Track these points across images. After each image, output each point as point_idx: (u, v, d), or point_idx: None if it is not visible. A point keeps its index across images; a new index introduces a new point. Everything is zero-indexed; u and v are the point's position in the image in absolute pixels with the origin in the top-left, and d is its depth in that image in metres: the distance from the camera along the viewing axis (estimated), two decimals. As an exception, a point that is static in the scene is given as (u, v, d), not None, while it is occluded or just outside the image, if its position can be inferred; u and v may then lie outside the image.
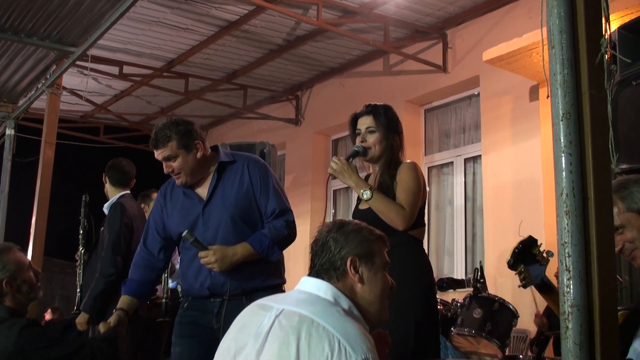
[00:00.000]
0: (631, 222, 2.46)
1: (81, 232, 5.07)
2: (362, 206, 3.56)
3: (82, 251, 5.05)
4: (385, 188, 3.43)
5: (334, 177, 3.56)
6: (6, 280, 3.21)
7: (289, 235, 3.51)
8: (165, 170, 3.50)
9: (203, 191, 3.51)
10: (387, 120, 3.55)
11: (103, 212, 5.18)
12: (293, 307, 2.10)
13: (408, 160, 3.57)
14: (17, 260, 3.30)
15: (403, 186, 3.39)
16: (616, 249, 2.31)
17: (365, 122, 3.56)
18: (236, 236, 3.39)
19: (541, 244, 2.77)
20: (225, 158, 3.54)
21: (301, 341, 1.95)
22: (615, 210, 2.44)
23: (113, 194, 5.13)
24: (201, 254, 3.32)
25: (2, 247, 3.37)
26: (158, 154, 3.46)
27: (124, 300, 3.49)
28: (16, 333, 3.07)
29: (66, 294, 13.02)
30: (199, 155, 3.45)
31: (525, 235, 2.69)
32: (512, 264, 2.51)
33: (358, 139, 3.56)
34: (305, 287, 2.29)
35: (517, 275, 2.58)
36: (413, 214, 3.38)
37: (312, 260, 2.39)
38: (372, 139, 3.52)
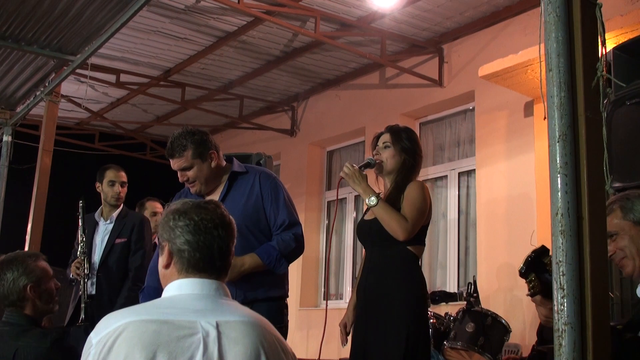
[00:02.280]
0: (625, 229, 2.56)
1: (82, 239, 4.98)
2: (368, 217, 3.70)
3: (85, 259, 4.91)
4: (392, 202, 3.55)
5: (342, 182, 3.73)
6: (31, 285, 3.21)
7: (297, 249, 3.56)
8: (180, 179, 3.57)
9: (214, 198, 3.53)
10: (405, 139, 3.72)
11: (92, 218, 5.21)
12: (226, 316, 1.94)
13: (419, 180, 3.73)
14: (43, 268, 3.31)
15: (409, 201, 3.53)
16: (608, 255, 2.38)
17: (383, 139, 3.75)
18: (243, 245, 3.40)
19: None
20: (238, 169, 3.62)
21: (265, 347, 1.91)
22: (612, 217, 2.54)
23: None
24: None
25: (30, 254, 3.40)
26: (174, 163, 3.53)
27: None
28: (49, 344, 3.05)
29: (60, 300, 12.96)
30: (213, 164, 3.53)
31: (538, 245, 2.74)
32: (524, 272, 2.55)
33: (373, 153, 3.75)
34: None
35: (526, 284, 2.62)
36: (415, 227, 3.49)
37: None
38: (385, 153, 3.69)
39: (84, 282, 4.83)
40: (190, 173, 3.50)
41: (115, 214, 5.17)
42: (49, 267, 3.39)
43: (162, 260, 2.07)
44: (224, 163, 3.63)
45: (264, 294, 3.47)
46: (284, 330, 3.55)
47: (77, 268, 4.91)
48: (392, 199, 3.56)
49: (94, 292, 4.89)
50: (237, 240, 3.40)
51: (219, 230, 2.06)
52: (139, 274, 4.84)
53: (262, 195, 3.54)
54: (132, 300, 4.57)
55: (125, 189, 5.26)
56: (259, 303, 3.40)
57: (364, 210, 3.89)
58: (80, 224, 5.02)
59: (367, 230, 3.68)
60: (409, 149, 3.71)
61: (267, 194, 3.54)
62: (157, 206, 5.99)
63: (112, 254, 5.00)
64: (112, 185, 5.18)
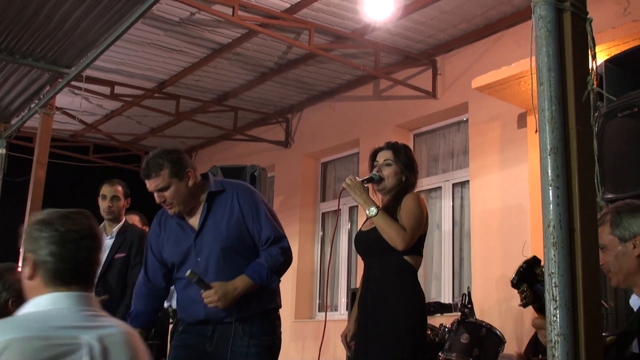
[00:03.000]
0: (611, 245, 2.59)
1: None
2: (365, 227, 3.79)
3: None
4: (389, 212, 3.62)
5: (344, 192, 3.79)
6: (12, 300, 3.21)
7: (286, 262, 3.54)
8: (157, 201, 3.47)
9: (194, 221, 3.51)
10: (405, 157, 3.80)
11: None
12: (106, 329, 1.96)
13: (414, 192, 3.81)
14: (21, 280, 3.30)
15: (406, 211, 3.60)
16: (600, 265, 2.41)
17: (384, 155, 3.81)
18: (228, 266, 3.41)
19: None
20: (215, 187, 3.53)
21: (141, 356, 1.95)
22: (603, 229, 2.57)
23: (122, 217, 5.19)
24: (204, 294, 3.32)
25: (7, 267, 3.37)
26: (150, 184, 3.44)
27: None
28: None
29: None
30: (190, 183, 3.45)
31: (529, 255, 2.76)
32: (516, 283, 2.57)
33: (375, 169, 3.80)
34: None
35: (518, 294, 2.64)
36: (413, 237, 3.57)
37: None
38: (387, 170, 3.77)
39: None
40: (167, 194, 3.41)
41: (115, 229, 5.15)
42: None
43: (26, 271, 2.04)
44: (201, 181, 3.55)
45: (258, 309, 3.45)
46: (277, 342, 3.54)
47: None
48: (390, 211, 3.62)
49: None
50: (222, 261, 3.40)
51: (85, 241, 2.03)
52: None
53: (242, 213, 3.47)
54: None
55: (119, 203, 5.20)
56: (253, 317, 3.41)
57: (362, 222, 3.96)
58: None
59: (365, 242, 3.75)
60: (409, 166, 3.80)
61: (247, 211, 3.47)
62: (135, 219, 5.97)
63: (111, 269, 4.99)
64: (103, 199, 5.19)
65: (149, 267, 3.62)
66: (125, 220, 5.25)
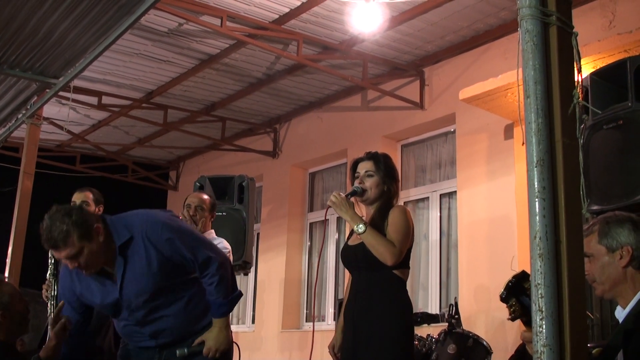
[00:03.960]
0: (598, 254, 2.62)
1: (52, 261, 4.96)
2: (352, 242, 3.76)
3: (54, 281, 4.88)
4: (377, 227, 3.61)
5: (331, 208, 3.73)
6: (1, 313, 3.20)
7: (226, 277, 3.32)
8: (70, 267, 3.17)
9: (112, 273, 3.27)
10: (386, 167, 3.79)
11: None
12: None
13: (400, 204, 3.82)
14: (10, 292, 3.30)
15: (394, 226, 3.60)
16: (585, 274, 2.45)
17: (365, 166, 3.79)
18: (166, 299, 3.32)
19: None
20: (122, 237, 3.22)
21: None
22: (591, 238, 2.59)
23: None
24: (204, 353, 3.31)
25: None
26: (61, 255, 3.09)
27: None
28: None
29: (36, 323, 12.84)
30: (101, 239, 3.14)
31: (519, 270, 2.78)
32: (505, 297, 2.58)
33: (357, 181, 3.79)
34: None
35: (507, 308, 2.65)
36: (402, 251, 3.57)
37: None
38: (369, 182, 3.75)
39: (52, 304, 4.79)
40: (81, 259, 3.09)
41: None
42: (14, 289, 3.37)
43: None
44: (106, 230, 3.20)
45: (200, 325, 3.39)
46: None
47: (46, 290, 4.90)
48: (377, 225, 3.63)
49: None
50: (158, 299, 3.27)
51: None
52: None
53: (162, 254, 3.21)
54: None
55: (89, 209, 5.09)
56: (197, 334, 3.37)
57: (347, 234, 3.95)
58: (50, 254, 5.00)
59: (353, 256, 3.73)
60: (390, 176, 3.79)
61: (166, 249, 3.22)
62: (87, 195, 5.92)
63: None
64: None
65: (66, 313, 3.38)
66: None
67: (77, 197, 5.21)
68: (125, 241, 3.20)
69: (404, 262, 3.63)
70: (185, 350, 3.32)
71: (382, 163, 3.78)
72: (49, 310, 4.83)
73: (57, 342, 3.38)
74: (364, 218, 3.74)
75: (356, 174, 3.82)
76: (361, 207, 3.86)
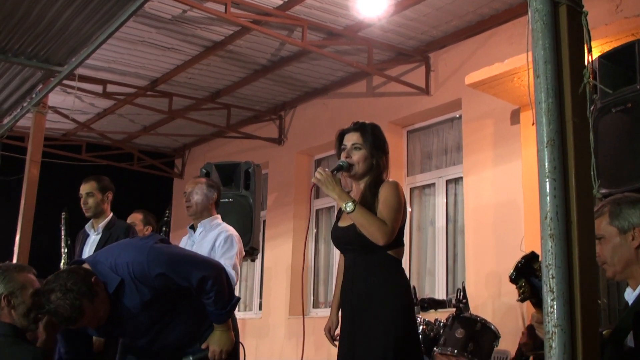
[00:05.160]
0: (609, 236, 2.60)
1: (65, 250, 5.01)
2: (343, 223, 3.57)
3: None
4: (367, 205, 3.42)
5: (318, 187, 3.60)
6: (5, 295, 3.22)
7: (222, 291, 3.32)
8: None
9: (114, 323, 3.25)
10: (374, 138, 3.57)
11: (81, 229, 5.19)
12: None
13: (390, 179, 3.60)
14: (24, 281, 3.31)
15: (385, 203, 3.40)
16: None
17: (351, 139, 3.56)
18: (173, 322, 3.36)
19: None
20: (113, 284, 3.11)
21: None
22: (601, 220, 2.57)
23: (107, 212, 5.17)
24: (210, 357, 3.40)
25: (17, 266, 3.41)
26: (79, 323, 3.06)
27: None
28: None
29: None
30: (101, 293, 3.08)
31: (528, 251, 2.77)
32: (514, 278, 2.58)
33: (343, 155, 3.56)
34: None
35: (517, 289, 2.64)
36: (394, 229, 3.39)
37: None
38: (357, 155, 3.53)
39: None
40: (84, 320, 3.04)
41: (101, 225, 5.15)
42: (32, 281, 3.37)
43: None
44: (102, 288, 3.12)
45: (196, 338, 3.47)
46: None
47: None
48: (367, 202, 3.44)
49: None
50: (166, 327, 3.29)
51: None
52: None
53: (154, 288, 3.16)
54: None
55: (94, 199, 5.15)
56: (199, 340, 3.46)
57: (336, 213, 3.74)
58: (62, 235, 5.02)
59: (345, 238, 3.54)
60: (379, 148, 3.56)
61: (157, 284, 3.15)
62: (137, 218, 5.97)
63: None
64: (80, 198, 5.22)
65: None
66: (112, 215, 5.23)
67: (82, 189, 5.23)
68: (116, 290, 3.11)
69: (397, 240, 3.44)
70: (191, 357, 3.39)
71: (370, 134, 3.55)
72: None
73: (48, 336, 3.39)
74: (352, 194, 3.55)
75: (342, 146, 3.58)
76: (348, 182, 3.64)
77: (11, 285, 3.25)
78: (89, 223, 5.24)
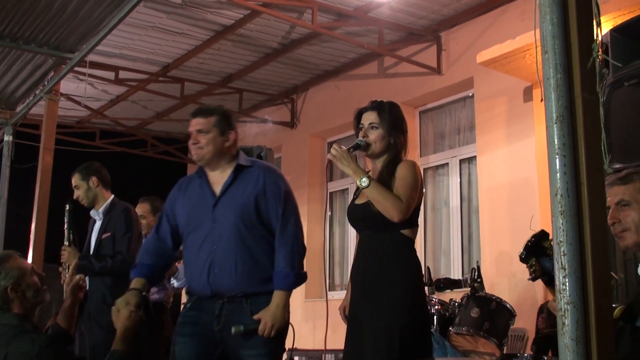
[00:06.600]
0: (638, 201, 2.54)
1: (66, 243, 5.05)
2: (359, 200, 3.55)
3: (70, 245, 5.05)
4: (384, 183, 3.40)
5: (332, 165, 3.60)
6: (10, 287, 3.26)
7: (298, 251, 3.54)
8: (191, 141, 3.60)
9: (217, 188, 3.56)
10: (392, 117, 3.53)
11: (89, 216, 5.21)
12: None
13: (409, 159, 3.58)
14: (19, 267, 3.35)
15: (401, 180, 3.38)
16: (608, 222, 2.38)
17: (369, 118, 3.55)
18: (240, 237, 3.43)
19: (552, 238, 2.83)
20: (244, 162, 3.59)
21: None
22: (630, 187, 2.53)
23: (105, 196, 5.15)
24: (259, 331, 3.34)
25: (2, 256, 3.42)
26: (193, 123, 3.60)
27: (138, 282, 3.51)
28: (36, 351, 3.10)
29: (62, 298, 13.02)
30: (227, 144, 3.56)
31: (537, 229, 2.75)
32: (525, 257, 2.57)
33: (360, 134, 3.55)
34: None
35: (527, 268, 2.63)
36: (409, 206, 3.35)
37: None
38: (373, 135, 3.51)
39: (67, 270, 4.99)
40: (202, 138, 3.55)
41: (101, 210, 5.11)
42: (24, 264, 3.43)
43: None
44: (234, 150, 3.63)
45: (264, 287, 3.44)
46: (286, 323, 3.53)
47: (62, 256, 5.05)
48: (384, 180, 3.42)
49: (87, 288, 4.85)
50: (238, 232, 3.40)
51: None
52: (124, 256, 4.86)
53: (265, 190, 3.50)
54: (116, 265, 4.83)
55: (83, 189, 5.11)
56: (260, 296, 3.42)
57: (354, 191, 3.75)
58: (65, 228, 5.07)
59: (360, 215, 3.53)
60: (396, 127, 3.54)
61: (268, 190, 3.50)
62: (145, 208, 5.92)
63: (101, 249, 4.98)
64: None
65: (161, 228, 3.68)
66: (113, 198, 5.17)
67: (72, 183, 5.21)
68: (245, 165, 3.57)
69: (412, 219, 3.42)
70: (242, 327, 3.33)
71: (387, 113, 3.52)
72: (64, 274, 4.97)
73: (73, 301, 3.62)
74: (370, 173, 3.53)
75: (360, 125, 3.57)
76: (367, 161, 3.65)
77: (10, 275, 3.28)
78: (92, 211, 5.24)
